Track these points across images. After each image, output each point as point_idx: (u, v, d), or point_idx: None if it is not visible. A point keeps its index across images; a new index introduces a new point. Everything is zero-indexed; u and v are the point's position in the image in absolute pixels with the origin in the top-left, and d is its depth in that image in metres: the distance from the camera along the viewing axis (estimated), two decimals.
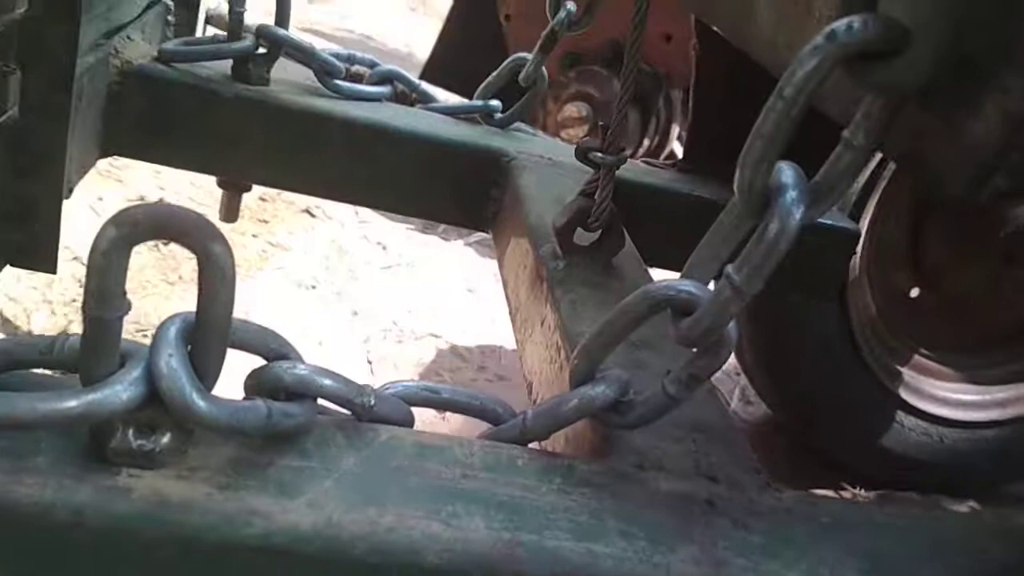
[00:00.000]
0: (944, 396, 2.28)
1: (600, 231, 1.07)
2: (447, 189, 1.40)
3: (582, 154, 1.05)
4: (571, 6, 1.39)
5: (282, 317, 2.41)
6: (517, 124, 1.55)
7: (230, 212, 1.46)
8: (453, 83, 3.76)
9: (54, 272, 0.98)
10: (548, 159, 1.42)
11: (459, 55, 3.70)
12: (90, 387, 0.55)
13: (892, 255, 2.16)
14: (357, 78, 1.47)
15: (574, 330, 0.94)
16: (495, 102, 1.52)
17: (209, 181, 2.87)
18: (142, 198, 2.75)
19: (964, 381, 2.31)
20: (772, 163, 0.57)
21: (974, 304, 2.26)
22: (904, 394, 2.21)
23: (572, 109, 3.21)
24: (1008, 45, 0.51)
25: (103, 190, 2.77)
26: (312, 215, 3.02)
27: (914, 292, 2.22)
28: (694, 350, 0.67)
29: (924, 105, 0.55)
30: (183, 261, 2.55)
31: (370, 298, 2.69)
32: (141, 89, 1.29)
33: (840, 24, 0.53)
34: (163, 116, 1.31)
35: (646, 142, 3.27)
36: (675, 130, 3.33)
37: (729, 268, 0.61)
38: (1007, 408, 2.31)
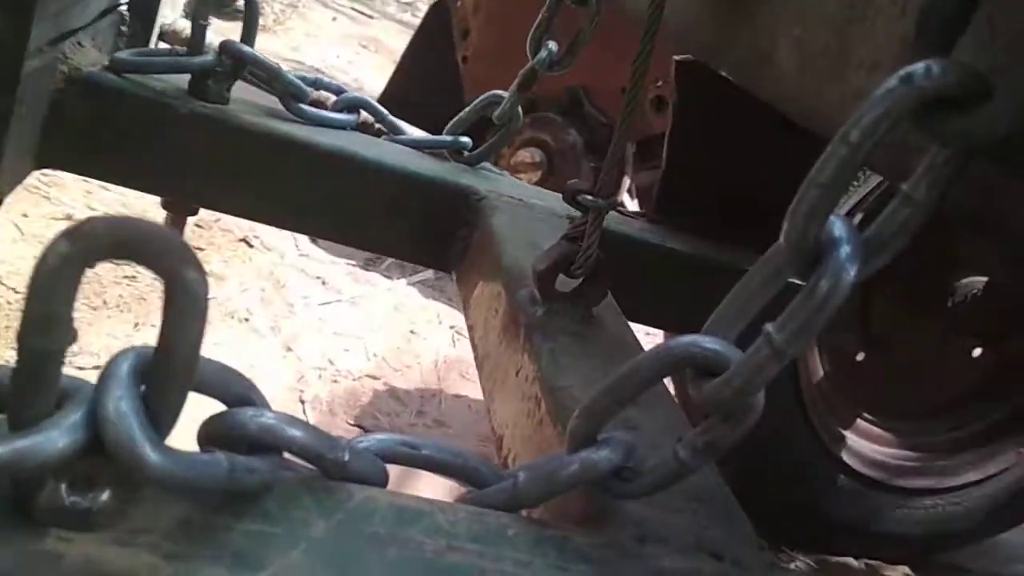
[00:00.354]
0: (885, 461, 2.27)
1: (583, 278, 1.00)
2: (412, 225, 1.33)
3: (571, 196, 0.99)
4: (553, 46, 1.34)
5: (212, 350, 2.28)
6: (484, 163, 1.49)
7: None
8: (405, 120, 3.70)
9: None
10: (519, 200, 1.36)
11: (412, 92, 3.65)
12: (19, 431, 0.45)
13: (840, 318, 2.15)
14: (320, 104, 1.39)
15: (556, 383, 0.87)
16: (465, 138, 1.46)
17: (143, 202, 2.75)
18: (70, 217, 2.60)
19: (906, 447, 2.31)
20: (827, 215, 0.52)
21: (919, 371, 2.27)
22: (846, 457, 2.20)
23: (525, 154, 3.17)
24: None
25: (28, 206, 2.61)
26: (250, 245, 2.89)
27: (860, 356, 2.22)
28: (711, 415, 0.60)
29: (998, 160, 0.50)
30: (109, 285, 2.40)
31: (306, 334, 2.57)
32: (88, 98, 1.18)
33: (918, 67, 0.48)
34: (110, 129, 1.20)
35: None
36: (626, 181, 3.32)
37: (769, 327, 0.55)
38: (946, 477, 2.31)
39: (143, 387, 0.49)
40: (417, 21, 7.14)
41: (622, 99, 3.10)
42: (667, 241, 1.43)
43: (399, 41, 6.44)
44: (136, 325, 2.24)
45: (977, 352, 2.18)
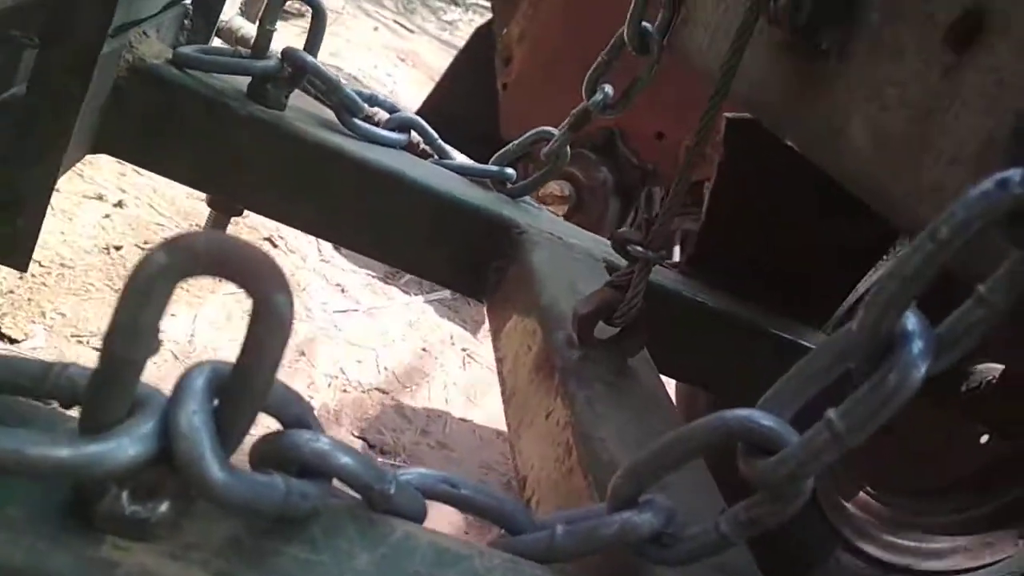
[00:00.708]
0: (886, 540, 2.26)
1: (622, 328, 1.00)
2: (450, 250, 1.33)
3: (620, 244, 0.99)
4: (609, 89, 1.35)
5: (225, 346, 2.28)
6: (525, 197, 1.50)
7: None
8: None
9: (25, 270, 0.88)
10: (559, 238, 1.37)
11: (449, 112, 3.67)
12: (91, 435, 0.45)
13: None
14: (371, 121, 1.40)
15: (590, 432, 0.86)
16: (510, 170, 1.47)
17: (174, 191, 2.76)
18: (100, 196, 2.61)
19: (908, 527, 2.30)
20: (905, 308, 0.52)
21: (926, 451, 2.26)
22: (848, 533, 2.18)
23: (555, 187, 3.18)
24: None
25: (62, 182, 2.62)
26: (274, 245, 2.90)
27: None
28: (760, 492, 0.60)
29: None
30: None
31: (320, 341, 2.57)
32: (149, 89, 1.20)
33: (1015, 174, 0.48)
34: (167, 122, 1.21)
35: None
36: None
37: (832, 413, 0.55)
38: (945, 559, 2.29)
39: (215, 402, 0.49)
40: (456, 40, 7.20)
41: (656, 144, 3.10)
42: (698, 295, 1.43)
43: (437, 58, 6.50)
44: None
45: (985, 439, 2.17)
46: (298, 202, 1.29)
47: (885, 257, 1.56)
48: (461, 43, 3.82)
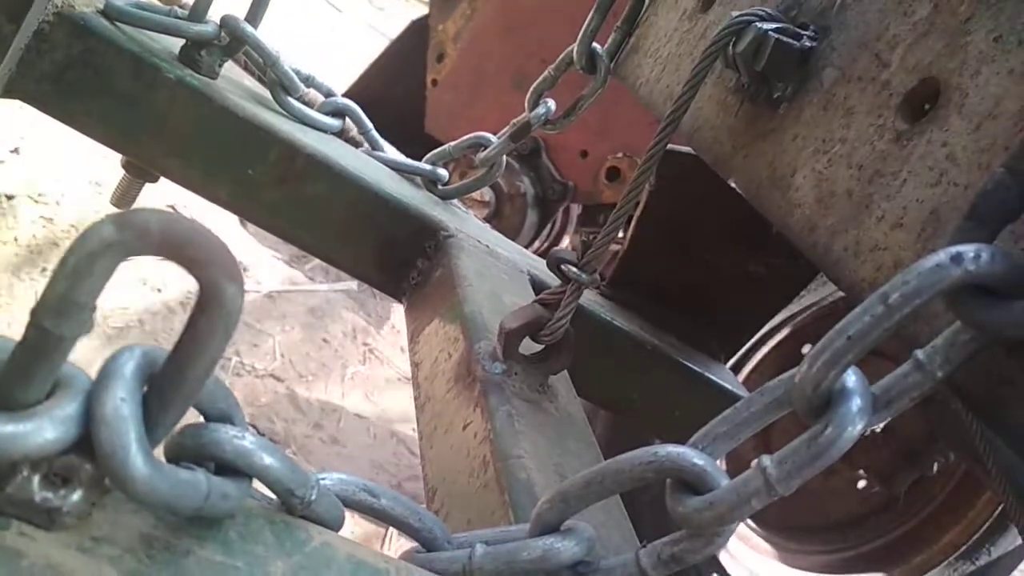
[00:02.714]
0: (758, 571, 2.33)
1: (547, 346, 1.00)
2: (372, 245, 1.30)
3: (555, 264, 0.98)
4: (551, 104, 1.35)
5: (116, 321, 2.17)
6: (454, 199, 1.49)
7: (125, 198, 1.29)
8: None
9: None
10: (486, 246, 1.36)
11: (373, 100, 3.61)
12: (7, 413, 0.41)
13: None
14: (307, 102, 1.35)
15: (508, 449, 0.85)
16: (443, 170, 1.45)
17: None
18: (15, 151, 2.45)
19: (779, 560, 2.38)
20: (848, 366, 0.53)
21: (804, 491, 2.35)
22: (725, 560, 2.25)
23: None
24: None
25: None
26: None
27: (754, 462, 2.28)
28: (683, 529, 0.61)
29: (1017, 354, 0.53)
30: (25, 223, 2.26)
31: None
32: (74, 38, 1.12)
33: (969, 250, 0.50)
34: (89, 75, 1.14)
35: (536, 243, 3.27)
36: (566, 240, 3.35)
37: (767, 460, 0.55)
38: None
39: (144, 389, 0.46)
40: (386, 27, 7.09)
41: (579, 162, 3.11)
42: (614, 318, 1.45)
43: (364, 41, 6.39)
44: (44, 270, 2.12)
45: (862, 484, 2.27)
46: (218, 176, 1.24)
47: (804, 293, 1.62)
48: (390, 30, 3.76)
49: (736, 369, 1.90)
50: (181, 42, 1.21)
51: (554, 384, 1.04)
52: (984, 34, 0.67)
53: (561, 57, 1.34)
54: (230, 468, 0.53)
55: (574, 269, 0.97)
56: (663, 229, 1.52)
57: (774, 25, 0.86)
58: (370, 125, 1.40)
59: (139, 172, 1.28)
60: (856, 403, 0.54)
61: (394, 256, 1.31)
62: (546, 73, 1.36)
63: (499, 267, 1.31)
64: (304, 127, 1.30)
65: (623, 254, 1.56)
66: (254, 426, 2.24)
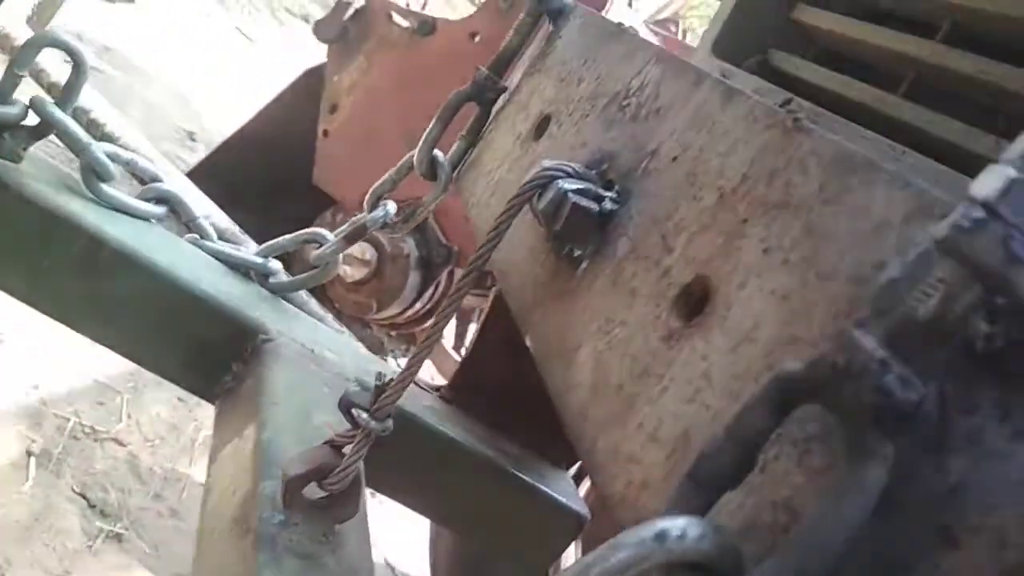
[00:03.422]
0: None
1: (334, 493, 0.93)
2: (183, 347, 1.21)
3: (346, 407, 0.92)
4: (391, 207, 1.30)
5: None
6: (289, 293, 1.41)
7: None
8: (244, 171, 3.55)
9: None
10: (311, 350, 1.28)
11: (261, 146, 3.51)
12: None
13: None
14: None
15: None
16: (275, 263, 1.37)
17: None
18: None
19: None
20: None
21: None
22: None
23: (357, 248, 3.09)
24: None
25: None
26: None
27: None
28: None
29: None
30: None
31: (60, 372, 2.33)
32: None
33: (674, 527, 0.46)
34: None
35: (417, 305, 3.20)
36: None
37: None
38: None
39: None
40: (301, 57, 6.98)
41: (465, 226, 3.06)
42: (449, 426, 1.39)
43: (276, 72, 6.27)
44: None
45: None
46: (13, 267, 1.14)
47: None
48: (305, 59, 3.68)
49: (580, 476, 1.85)
50: None
51: (344, 531, 0.97)
52: (756, 242, 0.64)
53: (402, 161, 1.29)
54: None
55: (364, 415, 0.90)
56: (508, 332, 1.48)
57: (576, 185, 0.82)
58: (195, 214, 1.32)
59: None
60: None
61: (206, 358, 1.22)
62: (386, 176, 1.30)
63: (320, 377, 1.23)
64: (122, 216, 1.21)
65: (466, 357, 1.51)
66: (84, 496, 2.09)
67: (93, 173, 1.18)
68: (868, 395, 0.43)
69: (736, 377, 0.59)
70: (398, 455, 1.34)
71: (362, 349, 1.47)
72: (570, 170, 0.84)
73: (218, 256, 1.32)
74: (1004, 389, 0.45)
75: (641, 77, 0.92)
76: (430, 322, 0.91)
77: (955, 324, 0.44)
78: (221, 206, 3.27)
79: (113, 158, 1.20)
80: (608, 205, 0.82)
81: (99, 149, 1.18)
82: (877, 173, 0.57)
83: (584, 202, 0.81)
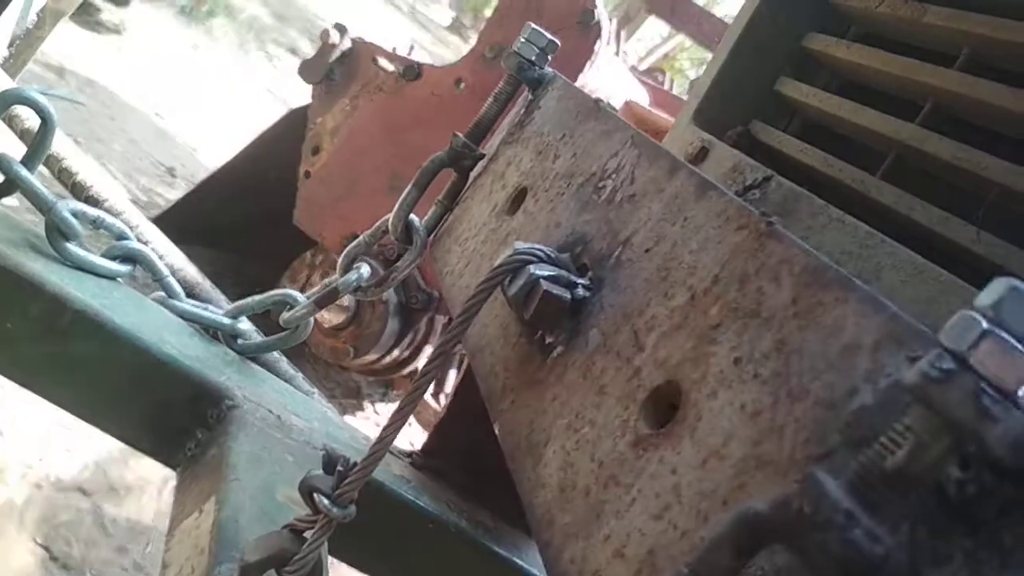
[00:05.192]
0: None
1: None
2: (145, 412, 1.18)
3: (307, 492, 0.89)
4: (365, 271, 1.28)
5: None
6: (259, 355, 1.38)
7: None
8: (224, 208, 3.53)
9: None
10: (277, 417, 1.25)
11: (243, 186, 3.49)
12: None
13: None
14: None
15: None
16: (244, 325, 1.34)
17: None
18: None
19: None
20: None
21: None
22: None
23: None
24: None
25: None
26: None
27: None
28: None
29: None
30: None
31: (25, 418, 2.27)
32: None
33: None
34: None
35: (396, 352, 3.17)
36: (427, 350, 3.26)
37: None
38: None
39: None
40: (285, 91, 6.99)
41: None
42: (420, 497, 1.36)
43: (264, 108, 6.27)
44: None
45: None
46: None
47: None
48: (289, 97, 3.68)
49: None
50: None
51: None
52: (728, 350, 0.62)
53: (377, 225, 1.27)
54: None
55: (325, 501, 0.87)
56: (478, 401, 1.45)
57: (548, 272, 0.80)
58: (164, 272, 1.29)
59: None
60: None
61: (168, 424, 1.19)
62: (361, 239, 1.29)
63: (286, 446, 1.20)
64: (86, 275, 1.19)
65: (439, 422, 1.49)
66: (46, 549, 2.03)
67: (58, 232, 1.16)
68: (834, 547, 0.41)
69: (704, 496, 0.57)
70: (366, 526, 1.30)
71: (331, 413, 1.44)
72: (542, 254, 0.83)
73: (185, 316, 1.30)
74: (975, 539, 0.43)
75: (618, 159, 0.91)
76: (395, 408, 0.88)
77: (924, 473, 0.42)
78: (200, 244, 3.24)
79: (79, 216, 1.18)
80: (581, 292, 0.80)
81: (64, 208, 1.15)
82: (850, 292, 0.56)
83: (556, 290, 0.79)
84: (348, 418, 2.64)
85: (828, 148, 1.21)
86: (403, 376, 3.41)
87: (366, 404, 3.67)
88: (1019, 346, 0.43)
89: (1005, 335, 0.42)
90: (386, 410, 3.72)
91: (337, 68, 3.35)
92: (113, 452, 2.40)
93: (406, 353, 3.21)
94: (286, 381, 1.46)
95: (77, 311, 1.12)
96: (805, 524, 0.43)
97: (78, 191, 1.63)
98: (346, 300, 3.04)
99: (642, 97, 3.42)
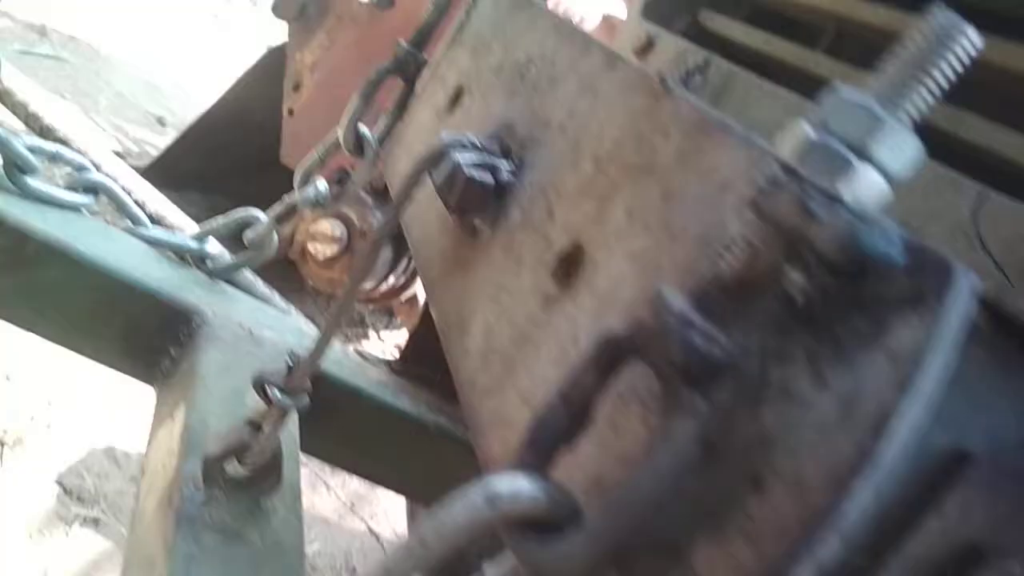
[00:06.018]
0: None
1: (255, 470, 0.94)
2: (118, 334, 1.23)
3: (259, 385, 0.93)
4: (322, 186, 1.30)
5: None
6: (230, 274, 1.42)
7: None
8: (216, 151, 3.54)
9: None
10: (248, 330, 1.29)
11: (228, 129, 3.49)
12: None
13: None
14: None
15: None
16: (213, 246, 1.38)
17: None
18: None
19: None
20: None
21: None
22: None
23: (326, 225, 3.08)
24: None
25: None
26: None
27: None
28: None
29: None
30: None
31: (35, 357, 2.33)
32: None
33: (504, 491, 0.47)
34: None
35: (392, 279, 3.20)
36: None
37: None
38: None
39: None
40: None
41: None
42: (399, 401, 1.40)
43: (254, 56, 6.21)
44: None
45: None
46: None
47: None
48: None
49: None
50: None
51: (270, 505, 0.98)
52: (623, 206, 0.65)
53: (328, 138, 1.29)
54: None
55: (276, 392, 0.91)
56: None
57: (471, 158, 0.82)
58: (127, 200, 1.32)
59: None
60: None
61: (142, 344, 1.23)
62: (314, 153, 1.31)
63: (256, 357, 1.24)
64: (48, 207, 1.22)
65: (415, 328, 1.52)
66: (60, 484, 2.11)
67: (15, 167, 1.18)
68: (675, 352, 0.44)
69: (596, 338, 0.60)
70: (348, 429, 1.36)
71: (307, 326, 1.48)
72: (466, 142, 0.85)
73: (151, 242, 1.33)
74: (816, 338, 0.46)
75: (541, 46, 0.92)
76: (335, 301, 0.92)
77: (762, 280, 0.45)
78: (194, 190, 3.26)
79: (35, 151, 1.20)
80: (505, 176, 0.83)
81: (19, 143, 1.18)
82: (727, 136, 0.58)
83: (478, 174, 0.81)
84: (356, 347, 2.70)
85: (779, 32, 1.21)
86: (403, 303, 3.44)
87: (371, 333, 3.72)
88: (843, 150, 0.45)
89: (830, 139, 0.44)
90: (391, 337, 3.77)
91: (311, 3, 3.31)
92: (122, 389, 2.47)
93: (402, 279, 3.24)
94: (263, 301, 1.50)
95: (40, 242, 1.16)
96: (651, 335, 0.46)
97: (47, 134, 1.66)
98: (337, 231, 3.06)
99: (622, 10, 3.37)
